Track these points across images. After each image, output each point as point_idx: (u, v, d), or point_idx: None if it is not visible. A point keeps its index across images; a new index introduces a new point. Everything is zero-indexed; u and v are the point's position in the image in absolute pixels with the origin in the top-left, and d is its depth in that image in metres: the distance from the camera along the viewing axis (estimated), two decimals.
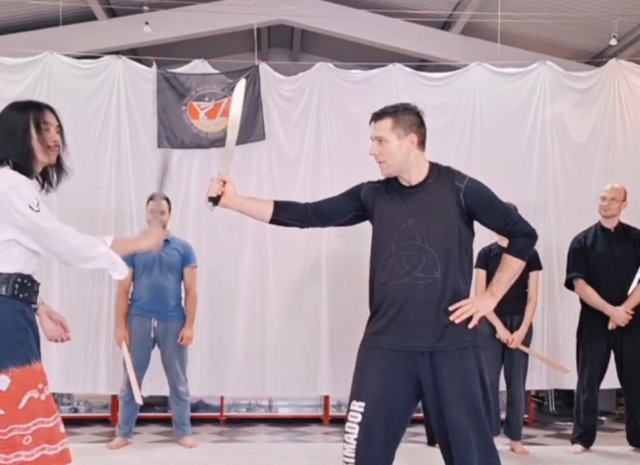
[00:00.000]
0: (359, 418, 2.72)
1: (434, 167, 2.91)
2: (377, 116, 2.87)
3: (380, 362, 2.79)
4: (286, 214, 2.95)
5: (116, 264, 2.61)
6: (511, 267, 2.87)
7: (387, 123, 2.83)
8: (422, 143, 2.90)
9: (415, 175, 2.87)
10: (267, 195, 6.05)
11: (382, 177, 2.96)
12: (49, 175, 2.70)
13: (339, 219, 3.02)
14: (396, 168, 2.86)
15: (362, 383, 2.80)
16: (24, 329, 2.50)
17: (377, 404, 2.73)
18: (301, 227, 3.04)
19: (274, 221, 2.97)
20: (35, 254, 2.57)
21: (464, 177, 2.85)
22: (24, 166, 2.53)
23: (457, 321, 2.72)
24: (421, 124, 2.89)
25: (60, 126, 2.66)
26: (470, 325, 2.74)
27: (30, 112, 2.59)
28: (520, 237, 2.88)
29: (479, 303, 2.79)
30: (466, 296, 2.83)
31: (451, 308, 2.74)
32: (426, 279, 2.75)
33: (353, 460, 2.72)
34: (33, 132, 2.56)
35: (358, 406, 2.74)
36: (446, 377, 2.71)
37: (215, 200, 2.86)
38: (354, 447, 2.72)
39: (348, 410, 2.78)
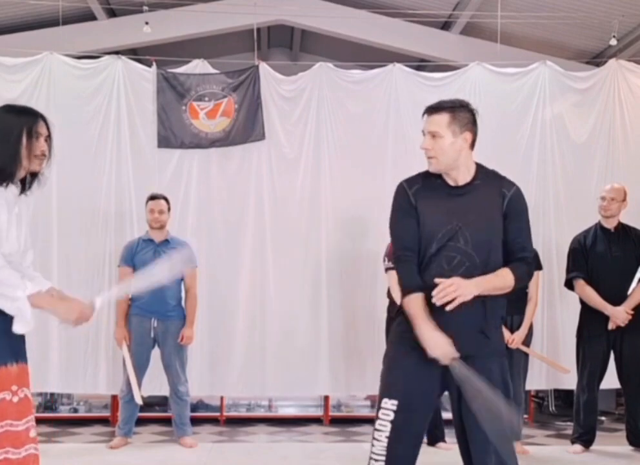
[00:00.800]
0: (392, 416, 2.70)
1: (481, 169, 2.82)
2: (433, 110, 2.75)
3: (411, 360, 2.73)
4: (427, 291, 2.72)
5: (23, 315, 2.50)
6: (506, 281, 2.73)
7: (444, 117, 2.73)
8: (473, 143, 2.80)
9: (463, 175, 2.77)
10: (267, 195, 6.05)
11: (391, 179, 2.91)
12: (25, 181, 2.68)
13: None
14: (446, 165, 2.76)
15: (394, 381, 2.77)
16: None
17: (410, 402, 2.71)
18: None
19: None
20: None
21: (512, 185, 2.79)
22: (6, 170, 2.54)
23: (437, 302, 2.58)
24: (475, 123, 2.79)
25: (49, 137, 2.68)
26: (448, 308, 2.58)
27: (24, 119, 2.61)
28: (523, 263, 2.78)
29: (463, 288, 2.58)
30: (503, 305, 2.79)
31: (436, 280, 2.59)
32: None
33: (383, 458, 2.70)
34: (24, 138, 2.58)
35: (391, 404, 2.71)
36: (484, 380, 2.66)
37: None
38: (385, 445, 2.70)
39: (379, 408, 2.75)
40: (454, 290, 2.57)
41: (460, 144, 2.74)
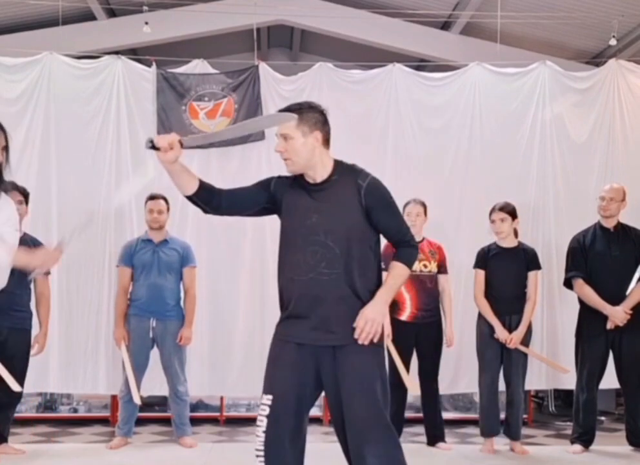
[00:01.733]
0: (267, 411, 2.79)
1: (338, 165, 2.94)
2: None
3: (288, 356, 2.84)
4: (204, 194, 2.99)
5: None
6: (402, 275, 2.90)
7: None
8: (326, 141, 2.92)
9: (319, 172, 2.90)
10: None
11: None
12: None
13: (248, 209, 3.09)
14: (301, 165, 2.89)
15: (271, 377, 2.86)
16: None
17: (285, 397, 2.79)
18: (206, 212, 3.09)
19: (191, 198, 3.00)
20: None
21: (366, 176, 2.89)
22: None
23: (365, 342, 2.74)
24: (325, 122, 2.91)
25: (6, 147, 2.73)
26: (376, 340, 2.76)
27: None
28: (408, 247, 2.93)
29: (371, 316, 2.76)
30: (374, 289, 2.85)
31: (355, 335, 2.75)
32: (330, 275, 2.80)
33: (262, 453, 2.78)
34: None
35: (266, 399, 2.81)
36: (345, 372, 2.77)
37: (154, 146, 2.77)
38: (263, 440, 2.78)
39: (260, 404, 2.84)
40: (370, 326, 2.75)
41: (312, 143, 2.87)
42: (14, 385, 4.30)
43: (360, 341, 2.74)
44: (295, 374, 2.81)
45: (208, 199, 3.00)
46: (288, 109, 2.87)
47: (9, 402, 4.62)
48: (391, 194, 2.92)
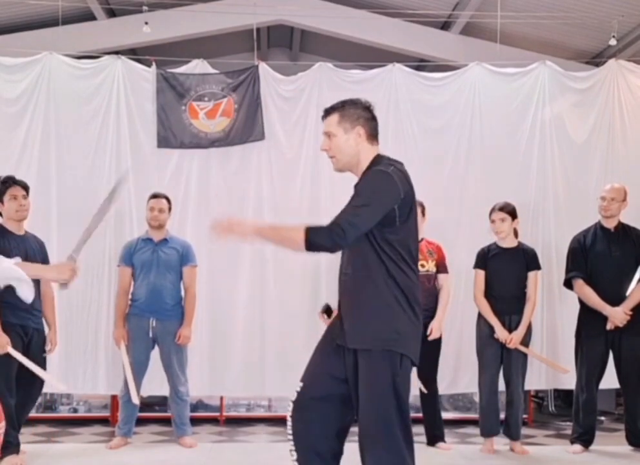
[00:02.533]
0: (295, 396, 2.90)
1: (376, 160, 2.88)
2: (326, 112, 2.93)
3: (322, 350, 2.96)
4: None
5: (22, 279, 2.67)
6: (293, 231, 2.73)
7: (334, 117, 2.89)
8: (371, 137, 2.88)
9: (361, 169, 2.89)
10: (266, 194, 6.06)
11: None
12: None
13: None
14: (345, 162, 2.89)
15: (307, 366, 2.97)
16: None
17: (311, 384, 2.87)
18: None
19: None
20: None
21: (372, 168, 2.83)
22: None
23: (215, 238, 2.75)
24: (370, 118, 2.89)
25: None
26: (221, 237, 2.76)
27: None
28: (327, 225, 2.73)
29: (237, 226, 2.76)
30: (390, 291, 2.77)
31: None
32: (347, 275, 2.85)
33: (291, 437, 2.88)
34: None
35: (298, 386, 2.92)
36: (360, 375, 2.79)
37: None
38: (291, 423, 2.88)
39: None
40: (227, 226, 2.73)
41: (355, 139, 2.85)
42: (59, 385, 4.52)
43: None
44: (324, 364, 2.90)
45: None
46: (331, 107, 2.89)
47: (24, 403, 4.58)
48: (375, 186, 2.78)
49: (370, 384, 2.75)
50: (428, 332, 5.00)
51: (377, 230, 2.76)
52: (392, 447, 2.75)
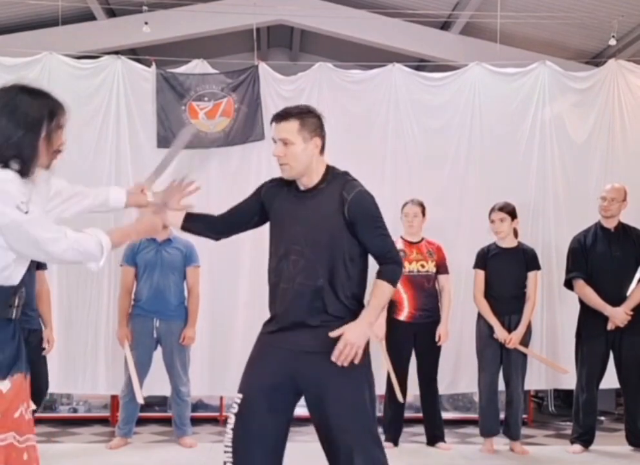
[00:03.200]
0: (236, 409, 2.80)
1: (330, 172, 2.86)
2: (281, 117, 2.80)
3: (264, 358, 2.84)
4: (197, 225, 3.06)
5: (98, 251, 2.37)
6: (385, 293, 2.79)
7: (293, 125, 2.77)
8: (323, 148, 2.85)
9: (312, 179, 2.83)
10: None
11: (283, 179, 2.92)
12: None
13: (247, 224, 3.06)
14: (299, 171, 2.81)
15: (245, 377, 2.87)
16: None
17: (255, 397, 2.77)
18: (216, 239, 3.14)
19: (184, 228, 3.07)
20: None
21: (353, 189, 2.78)
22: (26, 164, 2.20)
23: (345, 364, 2.67)
24: (323, 127, 2.85)
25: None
26: (357, 361, 2.68)
27: (47, 107, 2.30)
28: (392, 264, 2.81)
29: (353, 339, 2.67)
30: (357, 300, 2.81)
31: (332, 358, 2.68)
32: (309, 286, 2.75)
33: (230, 450, 2.78)
34: (44, 130, 2.23)
35: (237, 398, 2.81)
36: (330, 382, 2.72)
37: None
38: (231, 436, 2.79)
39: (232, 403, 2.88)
40: (350, 349, 2.67)
41: (312, 149, 2.79)
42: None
43: (339, 363, 2.67)
44: (268, 376, 2.78)
45: (199, 232, 3.12)
46: (288, 113, 2.80)
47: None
48: (376, 208, 2.81)
49: (348, 389, 2.72)
50: (437, 338, 5.01)
51: (351, 245, 2.79)
52: (378, 445, 2.78)
